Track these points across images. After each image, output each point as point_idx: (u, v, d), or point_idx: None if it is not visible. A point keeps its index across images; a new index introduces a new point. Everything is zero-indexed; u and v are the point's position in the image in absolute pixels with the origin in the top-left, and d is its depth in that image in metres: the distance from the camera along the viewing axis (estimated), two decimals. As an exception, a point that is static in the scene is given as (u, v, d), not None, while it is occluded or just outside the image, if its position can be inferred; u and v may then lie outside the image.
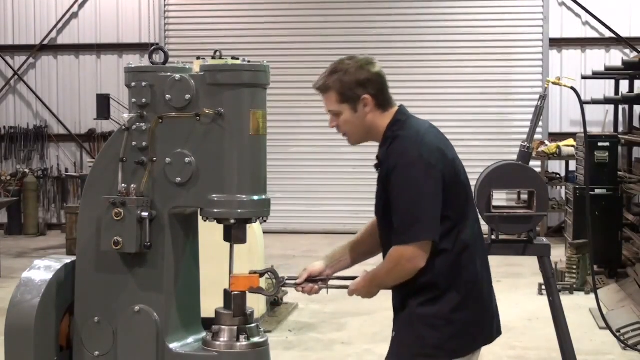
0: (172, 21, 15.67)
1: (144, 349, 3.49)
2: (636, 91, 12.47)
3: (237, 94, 3.46)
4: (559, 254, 10.80)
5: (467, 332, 3.44)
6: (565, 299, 7.47)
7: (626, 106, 13.27)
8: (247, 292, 3.50)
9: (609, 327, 7.31)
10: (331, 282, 3.64)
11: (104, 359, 3.57)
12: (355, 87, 3.39)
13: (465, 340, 3.44)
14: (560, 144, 13.43)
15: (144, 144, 3.51)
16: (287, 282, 3.61)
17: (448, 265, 3.40)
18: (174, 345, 3.51)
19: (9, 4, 15.99)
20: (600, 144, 10.67)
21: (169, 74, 3.51)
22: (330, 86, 3.40)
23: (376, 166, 3.52)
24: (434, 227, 3.31)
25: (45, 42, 15.84)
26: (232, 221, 3.47)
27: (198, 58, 8.10)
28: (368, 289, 3.50)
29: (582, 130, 6.90)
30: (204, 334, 3.59)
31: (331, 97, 3.41)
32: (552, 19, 14.68)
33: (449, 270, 3.40)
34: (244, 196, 3.46)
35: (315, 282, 3.60)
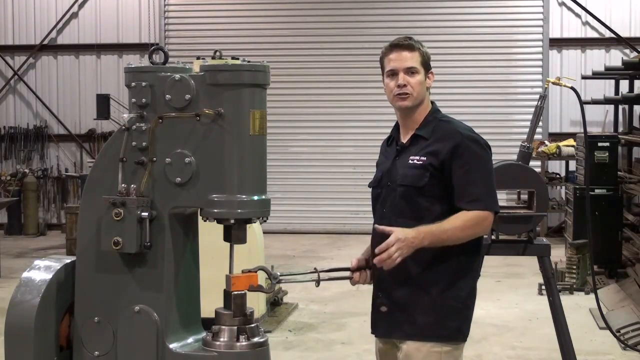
0: (172, 21, 15.68)
1: (144, 349, 3.49)
2: (636, 91, 12.48)
3: (237, 94, 3.45)
4: (559, 254, 10.80)
5: (472, 317, 3.68)
6: (565, 299, 7.47)
7: (626, 106, 13.28)
8: (247, 291, 3.50)
9: (609, 327, 7.30)
10: (323, 275, 3.66)
11: (104, 359, 3.56)
12: (429, 60, 3.78)
13: (469, 325, 3.67)
14: (560, 144, 13.43)
15: (144, 144, 3.50)
16: (284, 277, 3.65)
17: (472, 249, 3.61)
18: (174, 345, 3.51)
19: (9, 4, 15.99)
20: (600, 144, 10.68)
21: (169, 74, 3.50)
22: (419, 48, 3.74)
23: (401, 145, 3.73)
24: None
25: (45, 42, 15.85)
26: (232, 221, 3.46)
27: (198, 58, 8.10)
28: (424, 240, 3.46)
29: (582, 130, 6.90)
30: (204, 334, 3.58)
31: (416, 56, 3.71)
32: (552, 19, 14.68)
33: (472, 255, 3.63)
34: (244, 196, 3.45)
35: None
